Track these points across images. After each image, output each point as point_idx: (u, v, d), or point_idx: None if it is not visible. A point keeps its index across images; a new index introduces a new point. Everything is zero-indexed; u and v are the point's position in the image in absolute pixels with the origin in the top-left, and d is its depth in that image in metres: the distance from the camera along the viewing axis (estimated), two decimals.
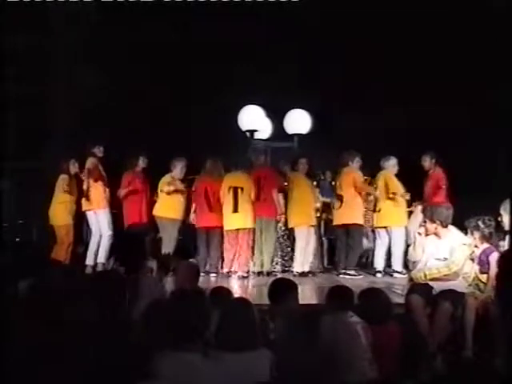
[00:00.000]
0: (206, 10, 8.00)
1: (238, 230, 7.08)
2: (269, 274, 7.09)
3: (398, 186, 7.24)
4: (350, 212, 7.24)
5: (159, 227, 7.07)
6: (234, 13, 8.07)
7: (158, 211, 7.17)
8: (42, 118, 8.68)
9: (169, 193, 7.09)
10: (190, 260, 6.72)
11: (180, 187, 7.21)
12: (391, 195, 7.18)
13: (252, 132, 8.55)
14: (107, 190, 7.15)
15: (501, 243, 5.08)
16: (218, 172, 7.25)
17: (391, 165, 7.35)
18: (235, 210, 7.05)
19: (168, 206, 7.13)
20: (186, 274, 4.28)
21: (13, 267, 3.78)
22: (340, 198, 7.27)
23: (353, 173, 7.25)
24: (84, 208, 7.14)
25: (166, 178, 7.21)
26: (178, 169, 7.25)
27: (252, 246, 7.21)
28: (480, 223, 4.89)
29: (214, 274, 7.10)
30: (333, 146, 7.80)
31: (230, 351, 2.55)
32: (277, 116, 8.86)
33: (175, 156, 7.32)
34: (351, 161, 7.30)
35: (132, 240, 3.91)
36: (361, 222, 7.33)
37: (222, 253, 7.23)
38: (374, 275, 7.27)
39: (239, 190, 7.08)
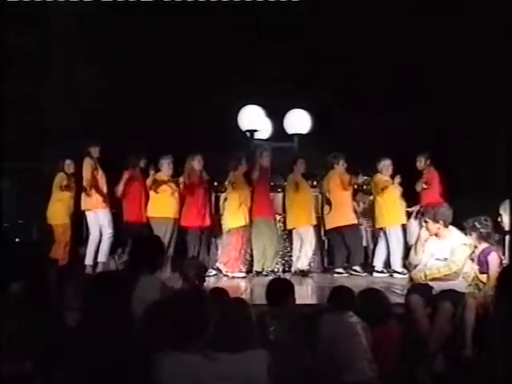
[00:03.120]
0: (205, 10, 8.00)
1: (238, 228, 7.14)
2: (268, 274, 7.09)
3: (387, 181, 7.23)
4: (341, 214, 7.26)
5: (153, 227, 7.06)
6: (234, 13, 8.07)
7: (150, 211, 7.17)
8: (41, 117, 8.68)
9: (150, 188, 7.08)
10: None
11: (168, 184, 7.19)
12: (380, 191, 7.19)
13: (252, 132, 8.54)
14: (106, 189, 7.16)
15: (494, 247, 5.01)
16: (201, 171, 7.23)
17: (384, 166, 7.34)
18: (235, 208, 7.10)
19: (159, 206, 7.13)
20: (188, 273, 4.28)
21: (12, 267, 3.76)
22: (329, 203, 7.30)
23: (339, 174, 7.27)
24: (83, 207, 7.14)
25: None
26: (165, 166, 7.23)
27: (250, 246, 7.28)
28: (476, 223, 4.90)
29: (212, 274, 7.09)
30: (333, 146, 7.78)
31: (227, 352, 2.55)
32: (277, 116, 8.85)
33: (162, 155, 7.28)
34: (337, 163, 7.32)
35: (153, 240, 3.90)
36: (354, 221, 7.35)
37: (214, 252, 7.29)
38: (372, 275, 7.27)
39: (239, 190, 7.15)
